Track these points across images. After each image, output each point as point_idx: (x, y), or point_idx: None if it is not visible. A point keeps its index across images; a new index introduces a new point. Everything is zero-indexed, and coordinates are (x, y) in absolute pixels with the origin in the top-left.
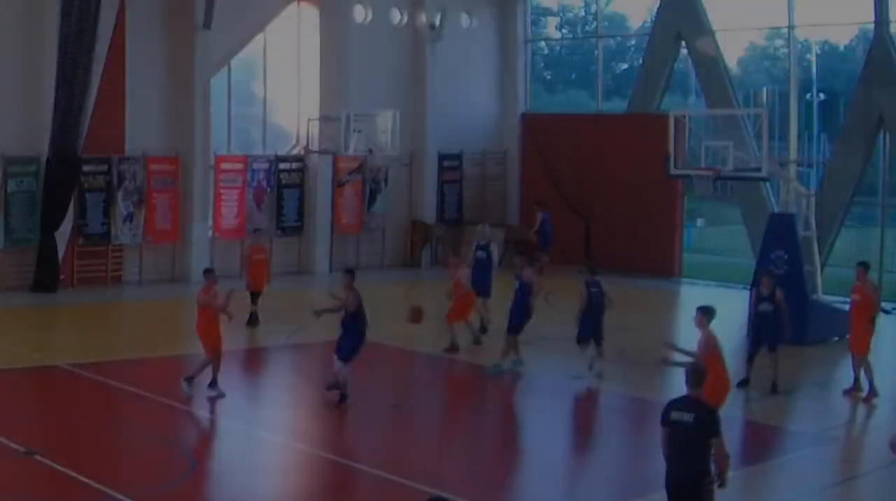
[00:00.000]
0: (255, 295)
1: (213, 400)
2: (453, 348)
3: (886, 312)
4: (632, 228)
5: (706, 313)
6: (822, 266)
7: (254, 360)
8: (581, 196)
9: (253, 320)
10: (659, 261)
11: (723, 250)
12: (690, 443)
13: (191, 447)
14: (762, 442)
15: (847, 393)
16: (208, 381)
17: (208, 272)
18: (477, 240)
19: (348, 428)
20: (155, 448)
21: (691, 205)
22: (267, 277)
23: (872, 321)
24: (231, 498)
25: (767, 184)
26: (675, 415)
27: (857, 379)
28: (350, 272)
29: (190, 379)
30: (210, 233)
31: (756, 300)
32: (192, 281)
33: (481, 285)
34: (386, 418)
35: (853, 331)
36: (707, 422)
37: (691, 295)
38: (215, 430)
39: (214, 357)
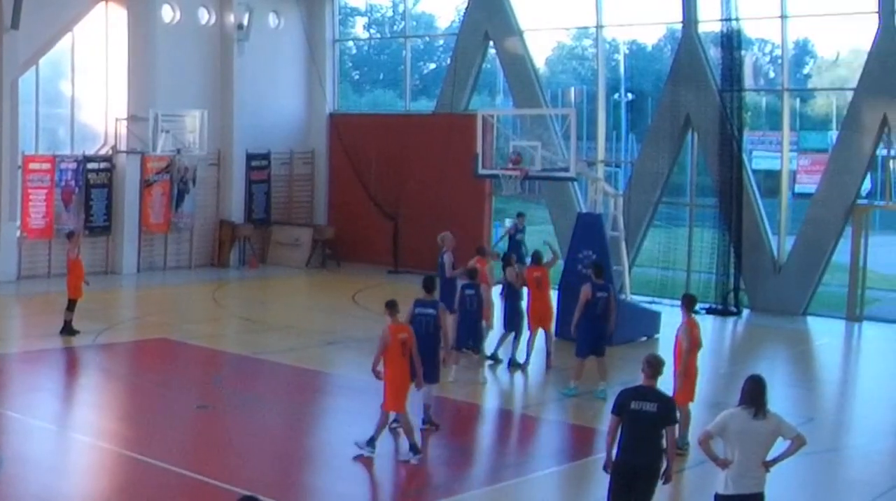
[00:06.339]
0: (72, 303)
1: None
2: None
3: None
4: (440, 228)
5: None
6: (630, 266)
7: (61, 360)
8: (389, 196)
9: (69, 330)
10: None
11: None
12: (652, 431)
13: None
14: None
15: None
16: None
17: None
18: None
19: (154, 428)
20: None
21: (499, 205)
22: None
23: None
24: (37, 497)
25: (575, 184)
26: (634, 405)
27: None
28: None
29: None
30: (18, 233)
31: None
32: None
33: None
34: (192, 418)
35: None
36: (669, 410)
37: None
38: (22, 430)
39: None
